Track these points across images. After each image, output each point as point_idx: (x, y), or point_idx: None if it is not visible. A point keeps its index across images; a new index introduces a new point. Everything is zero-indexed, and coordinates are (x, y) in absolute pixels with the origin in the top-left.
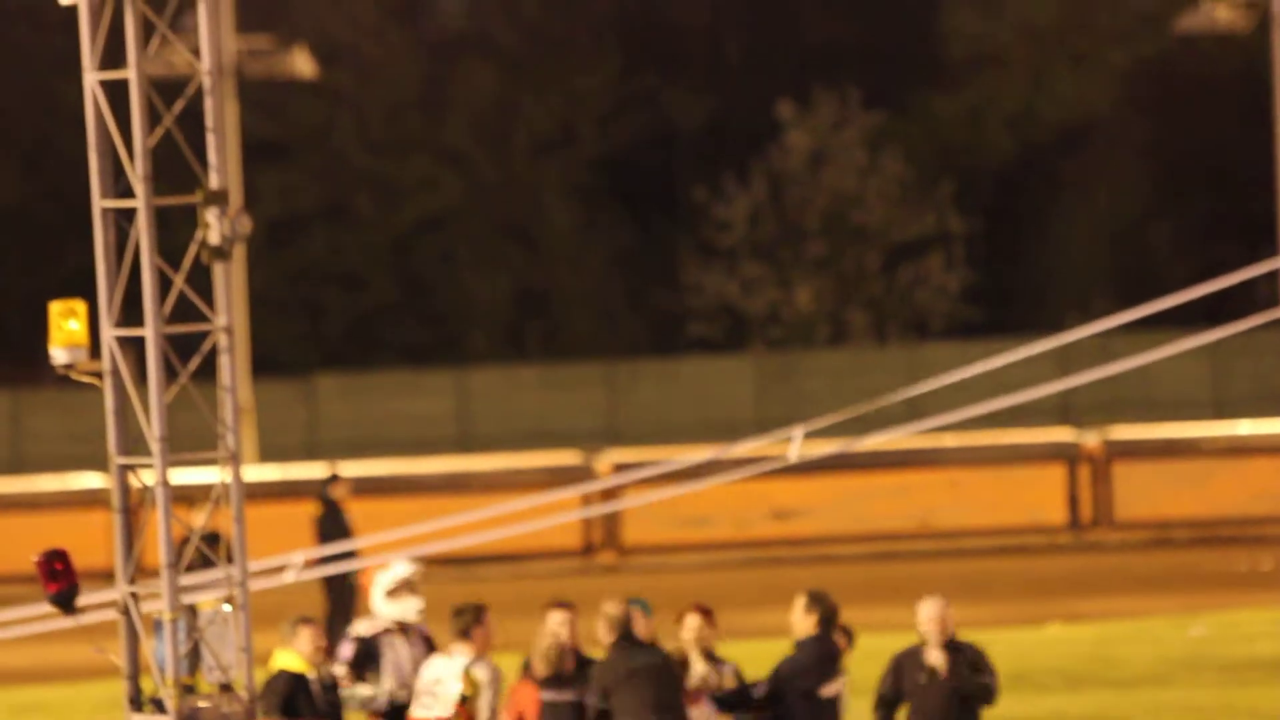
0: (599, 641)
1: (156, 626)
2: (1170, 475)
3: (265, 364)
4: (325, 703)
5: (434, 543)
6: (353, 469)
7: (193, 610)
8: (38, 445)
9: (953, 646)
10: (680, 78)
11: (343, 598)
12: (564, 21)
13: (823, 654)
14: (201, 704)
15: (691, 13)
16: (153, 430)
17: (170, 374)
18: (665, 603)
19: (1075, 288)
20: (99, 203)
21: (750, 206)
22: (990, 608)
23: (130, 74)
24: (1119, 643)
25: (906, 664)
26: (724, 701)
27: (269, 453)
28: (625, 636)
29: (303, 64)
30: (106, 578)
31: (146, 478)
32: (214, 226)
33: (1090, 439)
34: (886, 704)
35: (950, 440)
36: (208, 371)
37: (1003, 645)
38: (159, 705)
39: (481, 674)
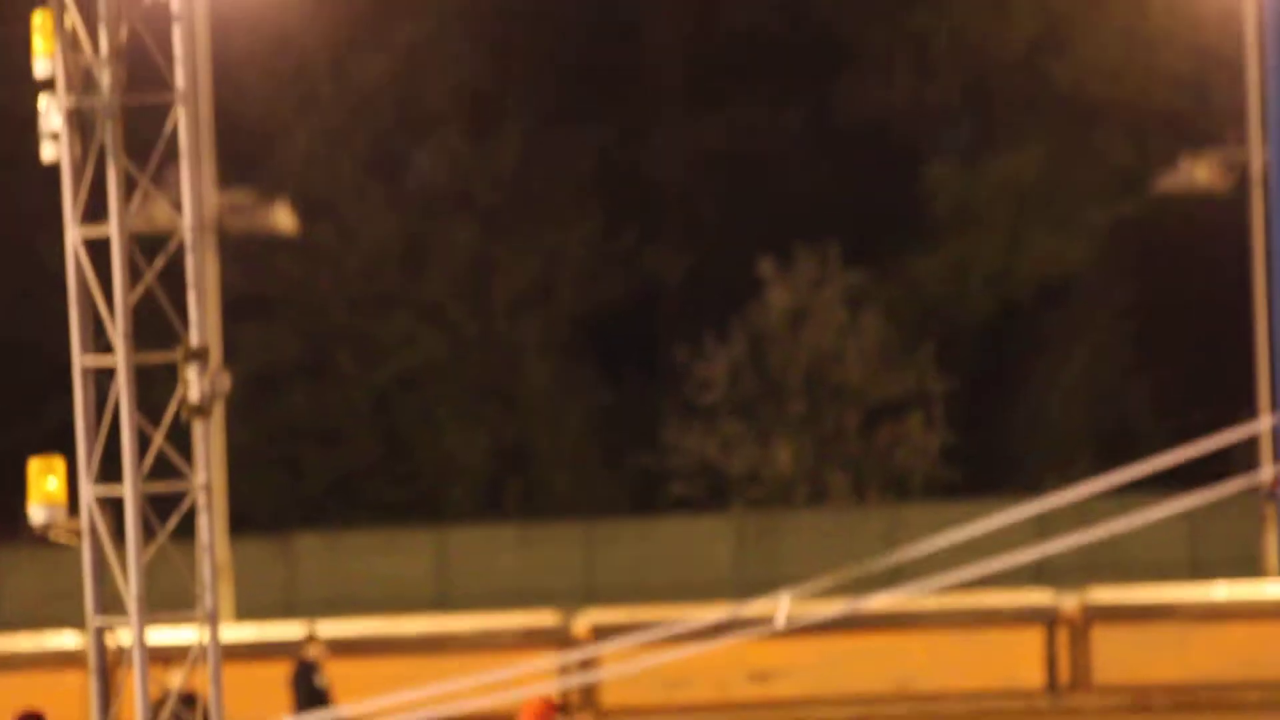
0: None
1: None
2: (1148, 639)
3: (243, 521)
4: None
5: (409, 711)
6: (330, 628)
7: None
8: (14, 603)
9: None
10: (660, 235)
11: None
12: (543, 178)
13: None
14: None
15: (671, 170)
16: (130, 590)
17: (148, 532)
18: None
19: (1055, 448)
20: (79, 359)
21: (730, 364)
22: None
23: (112, 230)
24: None
25: None
26: None
27: (246, 611)
28: None
29: (283, 219)
30: None
31: (123, 637)
32: (194, 384)
33: (1068, 602)
34: None
35: (928, 602)
36: (186, 529)
37: None
38: None
39: None
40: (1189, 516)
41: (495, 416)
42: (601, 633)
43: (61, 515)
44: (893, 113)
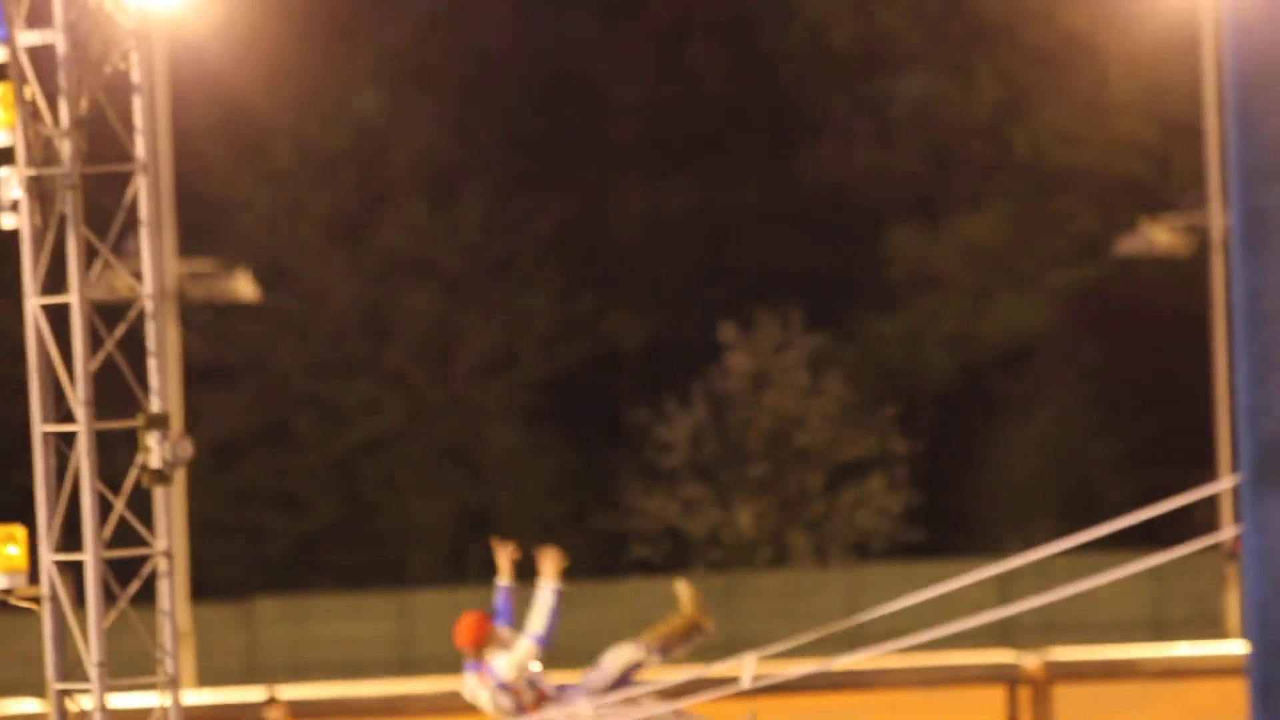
0: None
1: None
2: (1111, 697)
3: (204, 587)
4: None
5: None
6: (292, 692)
7: None
8: None
9: None
10: (621, 299)
11: None
12: (504, 244)
13: None
14: None
15: (632, 235)
16: (91, 655)
17: (109, 598)
18: None
19: (1016, 509)
20: (39, 427)
21: (692, 428)
22: None
23: (72, 299)
24: None
25: None
26: None
27: (207, 677)
28: None
29: (244, 287)
30: None
31: (85, 703)
32: (155, 451)
33: (1030, 660)
34: None
35: (891, 661)
36: (147, 595)
37: None
38: None
39: None
40: (1152, 577)
41: (458, 481)
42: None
43: (22, 581)
44: (853, 179)
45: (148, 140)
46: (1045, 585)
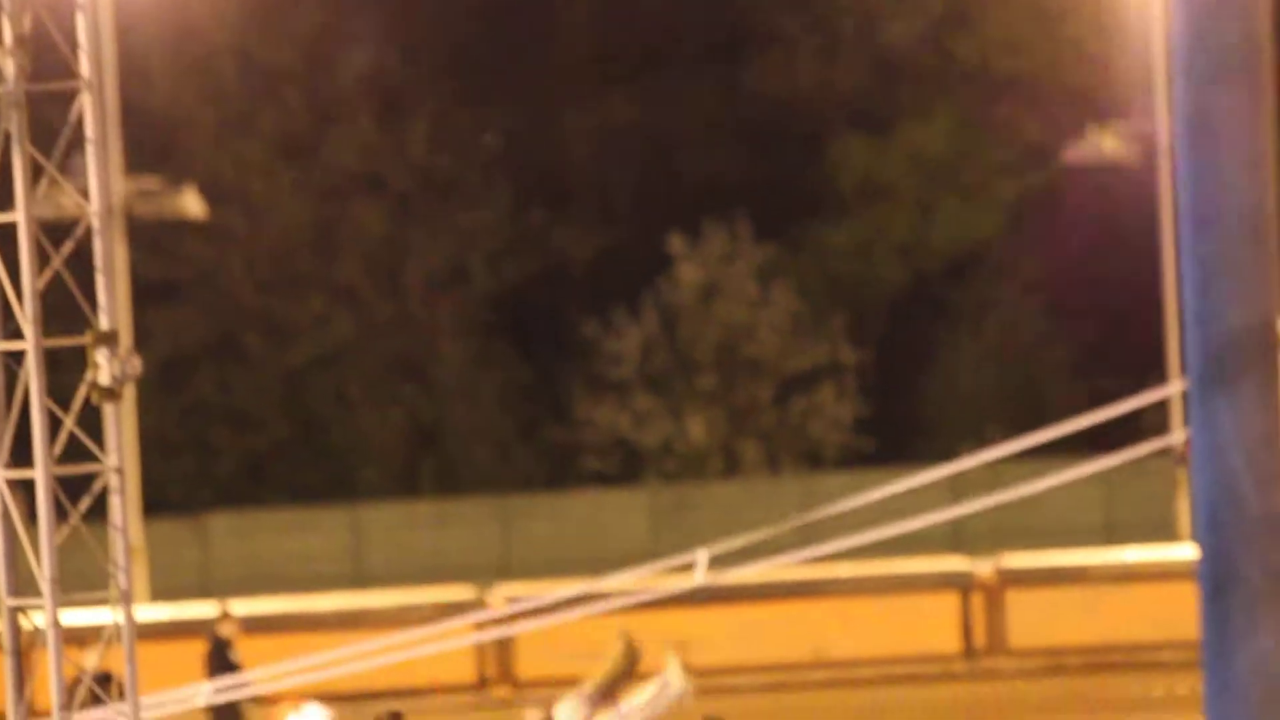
0: None
1: None
2: (1062, 602)
3: (156, 504)
4: None
5: (328, 671)
6: (246, 607)
7: None
8: None
9: None
10: (570, 213)
11: None
12: (453, 160)
13: None
14: None
15: (580, 148)
16: (44, 571)
17: (61, 515)
18: None
19: (967, 416)
20: None
21: (642, 340)
22: None
23: (19, 216)
24: None
25: None
26: None
27: (161, 592)
28: None
29: (192, 204)
30: None
31: (38, 619)
32: (104, 367)
33: (983, 567)
34: None
35: (842, 570)
36: (99, 512)
37: None
38: None
39: None
40: (1103, 481)
41: (409, 395)
42: (516, 603)
43: None
44: (799, 90)
45: (92, 58)
46: (997, 490)
